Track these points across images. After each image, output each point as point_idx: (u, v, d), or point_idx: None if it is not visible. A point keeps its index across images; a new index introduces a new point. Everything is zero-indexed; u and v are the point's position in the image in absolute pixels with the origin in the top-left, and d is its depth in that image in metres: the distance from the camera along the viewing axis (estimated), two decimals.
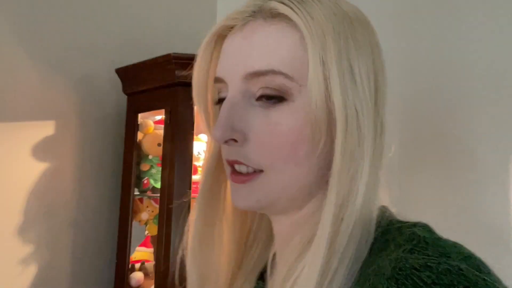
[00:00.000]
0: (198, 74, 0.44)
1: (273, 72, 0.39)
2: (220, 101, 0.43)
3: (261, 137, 0.40)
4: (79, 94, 1.22)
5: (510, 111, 1.22)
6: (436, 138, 1.30)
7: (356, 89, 0.38)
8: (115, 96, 1.30)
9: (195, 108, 0.46)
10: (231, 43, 0.42)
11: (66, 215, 1.18)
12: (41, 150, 1.12)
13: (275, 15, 0.40)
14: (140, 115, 1.28)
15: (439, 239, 0.35)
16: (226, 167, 0.43)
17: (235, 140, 0.40)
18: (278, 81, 0.39)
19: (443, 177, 1.28)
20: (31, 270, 1.09)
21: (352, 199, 0.38)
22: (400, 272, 0.31)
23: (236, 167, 0.41)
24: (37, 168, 1.11)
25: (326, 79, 0.38)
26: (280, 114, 0.39)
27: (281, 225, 0.45)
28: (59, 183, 1.16)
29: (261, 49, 0.40)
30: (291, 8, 0.39)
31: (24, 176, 1.09)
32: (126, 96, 1.29)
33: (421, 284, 0.29)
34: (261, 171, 0.40)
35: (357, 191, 0.38)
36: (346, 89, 0.38)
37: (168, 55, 1.11)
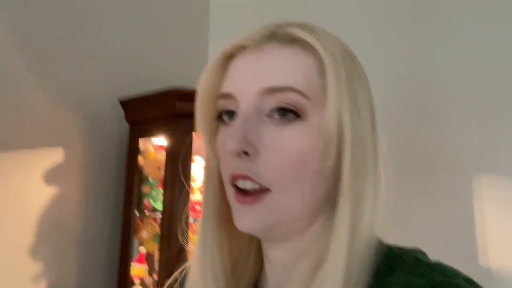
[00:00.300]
0: (203, 90, 0.44)
1: (290, 89, 0.39)
2: (220, 116, 0.43)
3: (272, 153, 0.39)
4: (84, 121, 1.32)
5: (476, 134, 1.38)
6: (405, 156, 1.45)
7: (359, 113, 0.41)
8: (117, 123, 1.41)
9: (196, 126, 0.45)
10: (244, 61, 0.42)
11: (72, 234, 1.27)
12: (50, 175, 1.21)
13: (292, 40, 0.42)
14: (141, 140, 1.39)
15: (440, 263, 0.38)
16: (229, 188, 0.42)
17: (247, 154, 0.39)
18: (294, 98, 0.39)
19: (415, 195, 1.42)
20: (41, 285, 1.17)
21: (361, 217, 0.39)
22: None
23: (240, 183, 0.40)
24: (47, 191, 1.20)
25: (339, 102, 0.40)
26: (293, 132, 0.40)
27: (280, 253, 0.44)
28: (67, 205, 1.25)
29: (278, 67, 0.41)
30: (309, 35, 0.41)
31: (36, 199, 1.18)
32: (128, 123, 1.40)
33: None
34: (267, 190, 0.40)
35: (363, 209, 0.40)
36: (353, 112, 0.40)
37: (169, 89, 1.23)
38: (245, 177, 0.40)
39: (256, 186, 0.40)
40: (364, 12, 1.60)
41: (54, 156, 1.23)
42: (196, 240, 0.46)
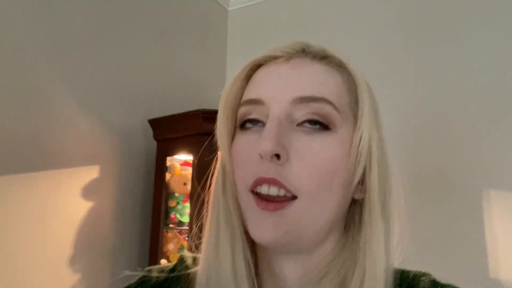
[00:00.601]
0: (228, 96, 0.44)
1: (324, 100, 0.40)
2: (244, 124, 0.43)
3: (303, 160, 0.39)
4: (117, 141, 1.42)
5: (485, 151, 1.44)
6: (415, 173, 1.51)
7: (379, 131, 0.43)
8: (146, 142, 1.51)
9: (217, 131, 0.44)
10: (276, 70, 0.42)
11: (105, 246, 1.36)
12: (87, 191, 1.31)
13: (322, 57, 0.43)
14: (168, 158, 1.48)
15: (450, 284, 0.40)
16: (247, 195, 0.40)
17: (278, 157, 0.39)
18: (327, 109, 0.40)
19: (426, 211, 1.48)
20: None
21: (391, 236, 0.40)
22: None
23: (264, 189, 0.39)
24: (84, 206, 1.30)
25: (371, 122, 0.41)
26: (324, 142, 0.40)
27: (294, 270, 0.42)
28: (101, 219, 1.35)
29: (312, 79, 0.41)
30: (339, 54, 0.43)
31: (74, 214, 1.27)
32: (156, 142, 1.49)
33: None
34: (294, 197, 0.39)
35: (392, 229, 0.40)
36: (379, 134, 0.42)
37: (197, 111, 1.33)
38: (273, 181, 0.38)
39: (281, 192, 0.39)
40: (381, 27, 1.67)
41: (91, 173, 1.32)
42: (213, 246, 0.43)
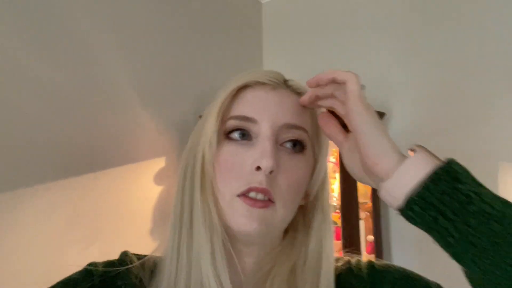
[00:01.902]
0: (219, 110, 0.50)
1: (303, 129, 0.50)
2: (230, 134, 0.49)
3: (286, 175, 0.48)
4: (176, 135, 1.72)
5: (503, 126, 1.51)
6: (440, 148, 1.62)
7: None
8: None
9: (209, 138, 0.49)
10: (265, 96, 0.50)
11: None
12: (158, 179, 1.65)
13: (298, 93, 0.52)
14: None
15: (367, 261, 0.54)
16: (232, 199, 0.47)
17: (271, 172, 0.46)
18: (304, 136, 0.50)
19: None
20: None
21: (332, 229, 0.51)
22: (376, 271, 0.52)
23: (252, 194, 0.46)
24: (156, 190, 1.65)
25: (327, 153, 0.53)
26: (299, 161, 0.50)
27: (251, 256, 0.51)
28: (169, 199, 1.70)
29: (295, 110, 0.50)
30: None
31: (150, 196, 1.63)
32: None
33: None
34: (273, 202, 0.47)
35: (331, 223, 0.51)
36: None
37: None
38: (263, 191, 0.46)
39: (266, 198, 0.47)
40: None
41: (159, 164, 1.66)
42: (185, 243, 0.49)
